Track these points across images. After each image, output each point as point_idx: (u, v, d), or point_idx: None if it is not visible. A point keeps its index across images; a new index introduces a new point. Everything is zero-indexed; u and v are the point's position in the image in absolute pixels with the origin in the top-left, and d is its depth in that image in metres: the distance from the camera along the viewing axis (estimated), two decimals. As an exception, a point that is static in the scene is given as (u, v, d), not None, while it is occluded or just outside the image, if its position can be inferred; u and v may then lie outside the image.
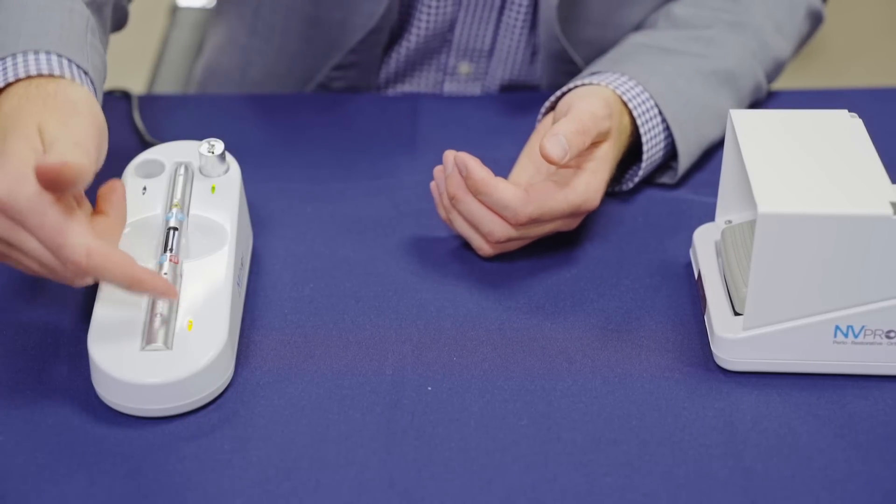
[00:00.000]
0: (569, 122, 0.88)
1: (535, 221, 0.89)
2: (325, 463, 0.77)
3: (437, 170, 0.92)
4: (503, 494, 0.75)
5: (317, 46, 1.13)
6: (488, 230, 0.89)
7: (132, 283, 0.75)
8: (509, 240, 0.90)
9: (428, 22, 1.09)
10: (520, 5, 1.08)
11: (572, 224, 0.92)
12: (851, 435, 0.79)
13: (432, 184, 0.93)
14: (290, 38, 1.13)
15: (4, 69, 0.80)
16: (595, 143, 0.91)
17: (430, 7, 1.09)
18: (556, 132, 0.87)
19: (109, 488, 0.75)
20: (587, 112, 0.90)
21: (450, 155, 0.89)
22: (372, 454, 0.77)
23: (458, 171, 0.89)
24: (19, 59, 0.80)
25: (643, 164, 0.97)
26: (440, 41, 1.12)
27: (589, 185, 0.90)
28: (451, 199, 0.90)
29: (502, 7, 1.09)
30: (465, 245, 0.94)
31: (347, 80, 1.14)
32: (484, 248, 0.92)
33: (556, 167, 0.90)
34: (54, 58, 0.80)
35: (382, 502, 0.74)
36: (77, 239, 0.74)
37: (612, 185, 1.00)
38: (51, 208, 0.73)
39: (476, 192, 0.88)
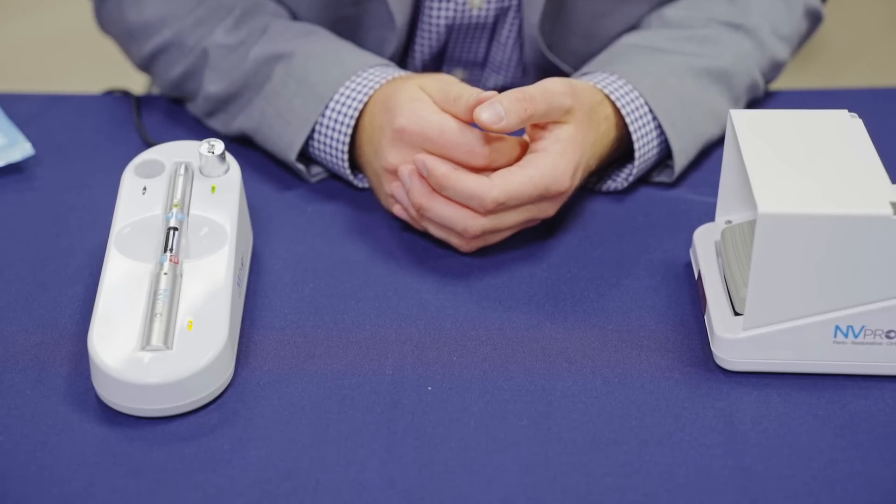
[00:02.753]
0: (510, 91, 0.87)
1: (504, 207, 0.88)
2: (325, 463, 0.77)
3: (396, 186, 0.91)
4: (503, 494, 0.75)
5: None
6: (462, 228, 0.89)
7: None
8: (485, 232, 0.90)
9: (422, 51, 1.09)
10: (511, 24, 1.08)
11: (549, 210, 0.91)
12: (851, 435, 0.79)
13: (396, 207, 0.93)
14: None
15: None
16: (556, 123, 0.90)
17: (423, 38, 1.08)
18: (493, 99, 0.87)
19: (109, 488, 0.75)
20: (537, 85, 0.89)
21: (405, 168, 0.89)
22: (372, 454, 0.77)
23: (416, 178, 0.88)
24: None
25: (636, 163, 0.97)
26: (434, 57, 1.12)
27: (555, 167, 0.88)
28: (418, 209, 0.89)
29: (494, 26, 1.08)
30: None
31: None
32: (464, 246, 0.91)
33: (493, 132, 0.88)
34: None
35: (382, 502, 0.74)
36: None
37: (607, 183, 1.00)
38: None
39: (440, 188, 0.87)
